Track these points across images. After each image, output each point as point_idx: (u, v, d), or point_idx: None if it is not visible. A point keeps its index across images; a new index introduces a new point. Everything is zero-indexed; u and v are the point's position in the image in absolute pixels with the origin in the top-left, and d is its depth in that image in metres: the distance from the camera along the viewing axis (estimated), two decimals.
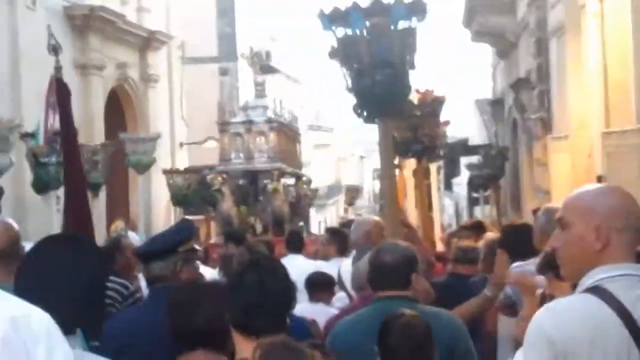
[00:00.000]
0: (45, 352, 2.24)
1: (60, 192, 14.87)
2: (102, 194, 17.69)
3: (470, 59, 36.57)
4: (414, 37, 6.75)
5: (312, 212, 25.07)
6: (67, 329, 2.84)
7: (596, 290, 2.51)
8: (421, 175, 12.28)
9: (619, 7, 8.46)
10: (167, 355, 3.49)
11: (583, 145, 10.13)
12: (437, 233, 12.72)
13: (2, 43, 15.47)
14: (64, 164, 6.47)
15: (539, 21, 13.79)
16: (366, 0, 6.70)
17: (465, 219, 23.11)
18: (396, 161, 10.77)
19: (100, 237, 11.75)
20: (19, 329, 2.21)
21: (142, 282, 5.67)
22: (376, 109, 6.67)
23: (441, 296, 5.17)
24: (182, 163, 22.71)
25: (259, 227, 16.47)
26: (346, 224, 10.33)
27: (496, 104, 22.02)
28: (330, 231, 8.77)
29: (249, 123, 17.41)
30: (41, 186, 14.54)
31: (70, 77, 18.06)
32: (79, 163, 6.42)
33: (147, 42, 21.83)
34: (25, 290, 2.81)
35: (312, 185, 21.38)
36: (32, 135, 13.40)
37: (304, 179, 20.13)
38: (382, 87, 6.53)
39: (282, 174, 17.79)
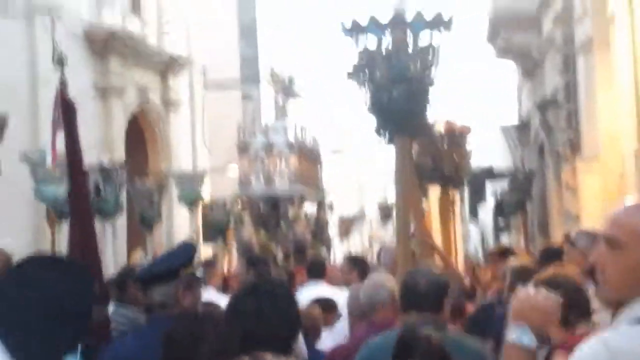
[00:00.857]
0: None
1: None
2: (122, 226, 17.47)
3: (493, 81, 36.16)
4: (434, 52, 6.48)
5: (336, 240, 24.73)
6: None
7: None
8: (446, 204, 12.00)
9: None
10: None
11: (614, 165, 9.83)
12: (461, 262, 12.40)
13: (20, 64, 15.33)
14: (68, 188, 6.09)
15: (565, 37, 13.40)
16: (387, 14, 6.45)
17: (491, 245, 22.71)
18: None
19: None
20: None
21: None
22: (393, 126, 6.40)
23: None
24: (204, 192, 22.39)
25: (279, 255, 16.13)
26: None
27: (522, 128, 21.65)
28: (351, 259, 8.47)
29: (269, 146, 17.10)
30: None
31: (91, 101, 18.03)
32: (86, 188, 6.05)
33: (168, 65, 21.64)
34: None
35: (335, 213, 21.06)
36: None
37: (327, 204, 19.77)
38: (398, 104, 6.32)
39: (304, 199, 17.45)
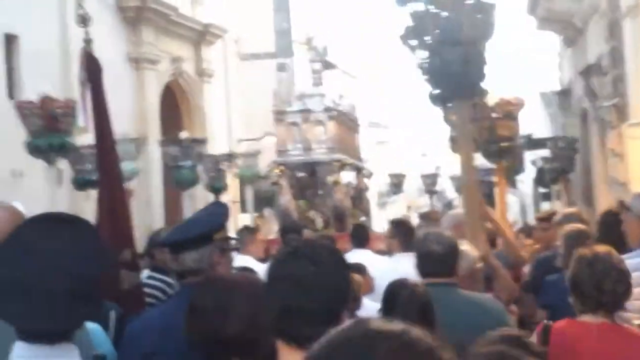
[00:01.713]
0: None
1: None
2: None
3: (533, 52, 35.65)
4: (489, 14, 6.17)
5: (375, 209, 24.40)
6: (57, 333, 2.25)
7: None
8: (501, 176, 11.69)
9: None
10: None
11: None
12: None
13: (52, 37, 15.12)
14: (97, 157, 5.80)
15: (610, 1, 13.04)
16: None
17: (532, 216, 22.35)
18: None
19: None
20: None
21: None
22: (449, 91, 6.11)
23: None
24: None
25: (319, 222, 15.80)
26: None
27: (563, 95, 21.21)
28: (394, 223, 7.84)
29: (306, 112, 16.73)
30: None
31: (124, 71, 17.82)
32: (114, 151, 5.75)
33: (202, 35, 21.35)
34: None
35: (373, 182, 20.70)
36: None
37: (365, 171, 19.37)
38: (452, 67, 6.02)
39: (343, 165, 17.04)
